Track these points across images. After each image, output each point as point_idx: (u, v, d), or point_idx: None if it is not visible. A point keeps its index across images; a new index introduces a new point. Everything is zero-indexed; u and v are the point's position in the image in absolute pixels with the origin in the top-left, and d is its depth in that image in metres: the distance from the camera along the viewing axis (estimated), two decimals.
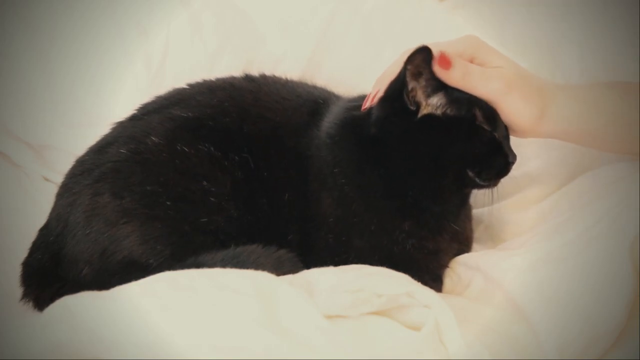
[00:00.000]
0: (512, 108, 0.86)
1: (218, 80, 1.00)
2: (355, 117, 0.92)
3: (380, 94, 0.89)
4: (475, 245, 1.02)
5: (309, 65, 1.22)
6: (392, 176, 0.89)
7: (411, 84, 0.86)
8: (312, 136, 0.93)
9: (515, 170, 0.93)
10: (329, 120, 0.94)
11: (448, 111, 0.86)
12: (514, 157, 0.90)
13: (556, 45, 1.19)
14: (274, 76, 1.01)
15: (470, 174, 0.88)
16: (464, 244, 0.97)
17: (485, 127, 0.87)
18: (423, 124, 0.87)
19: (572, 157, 1.05)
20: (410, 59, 0.84)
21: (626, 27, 1.14)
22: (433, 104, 0.86)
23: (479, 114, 0.86)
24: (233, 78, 1.00)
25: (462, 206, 0.94)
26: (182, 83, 1.00)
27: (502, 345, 0.73)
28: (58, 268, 0.90)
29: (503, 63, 0.88)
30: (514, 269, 0.82)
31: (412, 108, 0.86)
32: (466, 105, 0.86)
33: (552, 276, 0.78)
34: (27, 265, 0.92)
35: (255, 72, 1.01)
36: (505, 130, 0.90)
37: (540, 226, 0.94)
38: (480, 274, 0.88)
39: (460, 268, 0.93)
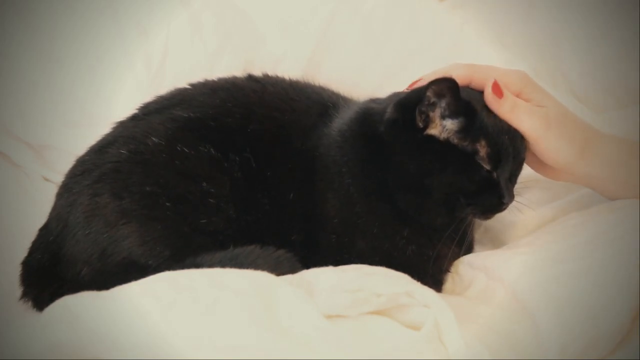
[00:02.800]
0: (551, 146, 0.87)
1: (220, 80, 0.99)
2: (369, 113, 0.92)
3: (413, 86, 0.90)
4: (475, 247, 1.02)
5: (309, 65, 1.22)
6: (388, 182, 0.89)
7: (432, 100, 0.85)
8: (321, 136, 0.93)
9: None
10: (341, 119, 0.94)
11: (451, 139, 0.86)
12: (511, 198, 0.89)
13: (556, 45, 1.19)
14: (277, 76, 1.01)
15: (463, 201, 0.88)
16: (466, 248, 0.96)
17: (485, 164, 0.86)
18: (424, 142, 0.87)
19: None
20: (435, 82, 0.84)
21: (626, 28, 1.14)
22: (442, 127, 0.86)
23: (482, 150, 0.86)
24: (235, 78, 0.99)
25: (462, 223, 0.92)
26: (182, 83, 1.00)
27: (503, 345, 0.73)
28: (57, 268, 0.89)
29: (549, 103, 0.89)
30: (520, 266, 0.82)
31: (420, 125, 0.86)
32: (472, 138, 0.86)
33: (559, 275, 0.77)
34: (27, 264, 0.92)
35: (255, 72, 1.01)
36: (514, 170, 0.90)
37: (546, 228, 0.93)
38: (483, 273, 0.87)
39: (463, 268, 0.92)
